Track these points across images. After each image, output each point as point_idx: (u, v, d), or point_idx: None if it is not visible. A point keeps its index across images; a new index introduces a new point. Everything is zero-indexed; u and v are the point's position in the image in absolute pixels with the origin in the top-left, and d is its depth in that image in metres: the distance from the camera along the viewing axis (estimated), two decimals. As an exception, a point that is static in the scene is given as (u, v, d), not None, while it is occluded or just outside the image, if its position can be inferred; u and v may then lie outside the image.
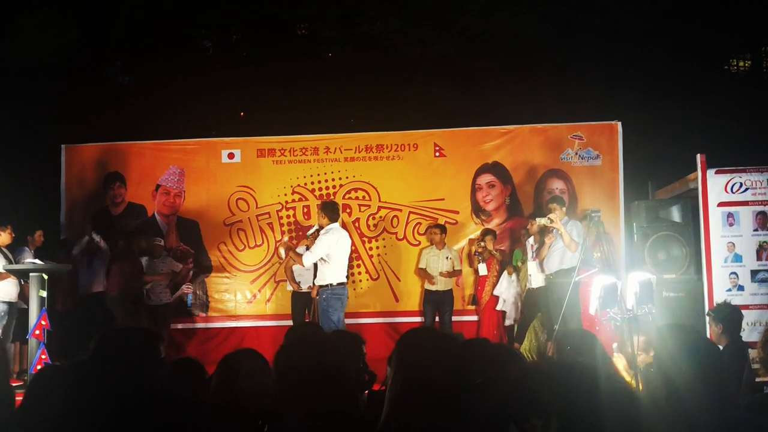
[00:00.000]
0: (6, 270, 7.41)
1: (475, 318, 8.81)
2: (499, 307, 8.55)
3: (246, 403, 2.55)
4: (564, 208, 7.45)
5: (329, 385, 2.43)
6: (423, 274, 8.64)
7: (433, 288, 8.51)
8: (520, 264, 8.44)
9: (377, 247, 9.10)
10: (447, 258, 8.53)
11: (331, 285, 7.05)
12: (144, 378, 2.35)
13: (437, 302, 8.50)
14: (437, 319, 8.50)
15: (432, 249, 8.63)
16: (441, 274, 8.45)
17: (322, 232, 7.23)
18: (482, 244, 8.58)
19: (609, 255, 7.49)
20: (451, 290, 8.56)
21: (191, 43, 15.02)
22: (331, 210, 7.26)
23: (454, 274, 8.54)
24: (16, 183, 9.88)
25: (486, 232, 8.70)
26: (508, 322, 8.57)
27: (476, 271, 8.71)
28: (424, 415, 2.13)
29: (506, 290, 8.48)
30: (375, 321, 8.89)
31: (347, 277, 7.37)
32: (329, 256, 7.09)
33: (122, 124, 11.86)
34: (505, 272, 8.50)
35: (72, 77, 12.54)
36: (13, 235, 7.81)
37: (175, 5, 13.01)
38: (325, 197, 9.01)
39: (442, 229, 8.63)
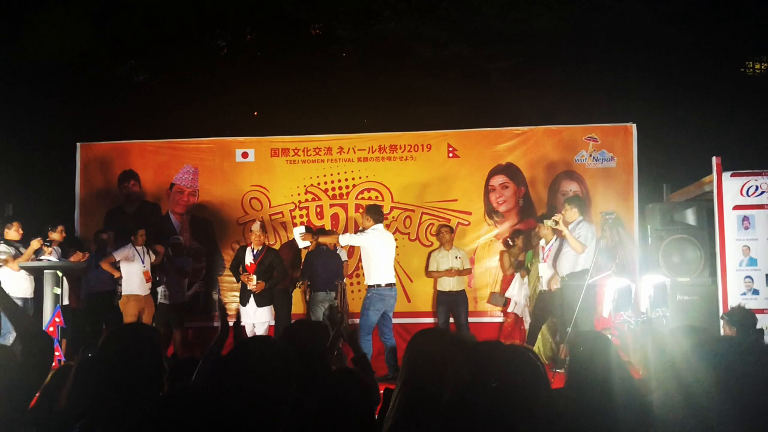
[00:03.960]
0: (22, 267, 7.46)
1: (490, 320, 8.81)
2: (510, 309, 8.55)
3: None
4: (576, 209, 7.40)
5: None
6: (434, 276, 8.65)
7: (445, 289, 8.50)
8: (530, 266, 8.42)
9: (390, 248, 9.09)
10: (456, 257, 8.51)
11: (378, 285, 7.30)
12: (145, 374, 2.39)
13: (450, 303, 8.46)
14: (452, 320, 8.49)
15: (440, 250, 8.63)
16: (451, 272, 8.43)
17: (369, 229, 7.36)
18: (520, 258, 8.59)
19: (624, 258, 7.44)
20: (464, 290, 8.53)
21: (206, 42, 15.10)
22: (374, 212, 7.49)
23: (463, 273, 8.52)
24: (31, 180, 9.94)
25: (516, 234, 8.76)
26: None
27: (509, 277, 8.69)
28: (434, 418, 2.12)
29: (518, 292, 8.46)
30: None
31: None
32: (376, 256, 7.30)
33: (137, 122, 11.93)
34: (518, 274, 8.48)
35: (87, 76, 12.64)
36: (22, 232, 7.83)
37: (189, 5, 13.08)
38: (338, 197, 9.04)
39: (452, 229, 8.70)
